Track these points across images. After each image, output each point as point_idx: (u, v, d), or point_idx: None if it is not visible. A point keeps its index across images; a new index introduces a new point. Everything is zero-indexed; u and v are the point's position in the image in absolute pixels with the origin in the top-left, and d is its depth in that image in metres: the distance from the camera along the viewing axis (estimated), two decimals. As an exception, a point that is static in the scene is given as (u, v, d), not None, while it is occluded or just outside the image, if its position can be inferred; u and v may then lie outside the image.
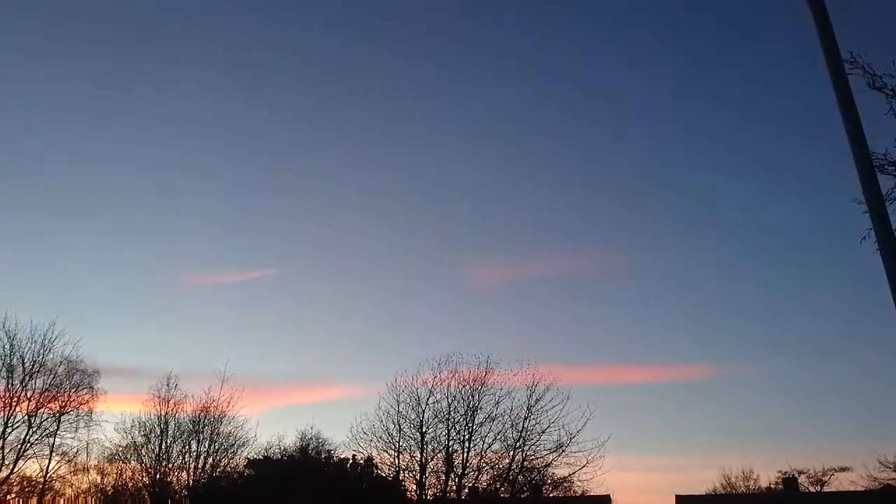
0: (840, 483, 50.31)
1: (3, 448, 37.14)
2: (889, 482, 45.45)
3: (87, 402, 40.08)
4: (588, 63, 78.19)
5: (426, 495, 35.68)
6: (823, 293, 73.41)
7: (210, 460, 40.44)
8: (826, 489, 50.17)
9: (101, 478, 42.45)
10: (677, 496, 43.29)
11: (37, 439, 38.22)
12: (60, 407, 39.15)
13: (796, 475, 49.13)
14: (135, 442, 40.29)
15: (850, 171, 6.71)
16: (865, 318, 70.55)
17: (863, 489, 46.05)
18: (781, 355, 71.07)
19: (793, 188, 76.72)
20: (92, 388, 40.25)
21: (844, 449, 75.69)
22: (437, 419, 35.61)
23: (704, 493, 51.02)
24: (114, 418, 41.10)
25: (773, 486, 52.16)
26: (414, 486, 36.28)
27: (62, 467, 39.99)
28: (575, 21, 75.05)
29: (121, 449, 40.55)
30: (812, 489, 50.25)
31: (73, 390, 39.68)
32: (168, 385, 40.97)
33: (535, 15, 74.69)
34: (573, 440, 33.74)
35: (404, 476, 36.60)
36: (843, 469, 50.64)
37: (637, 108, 79.70)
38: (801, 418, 68.94)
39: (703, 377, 69.47)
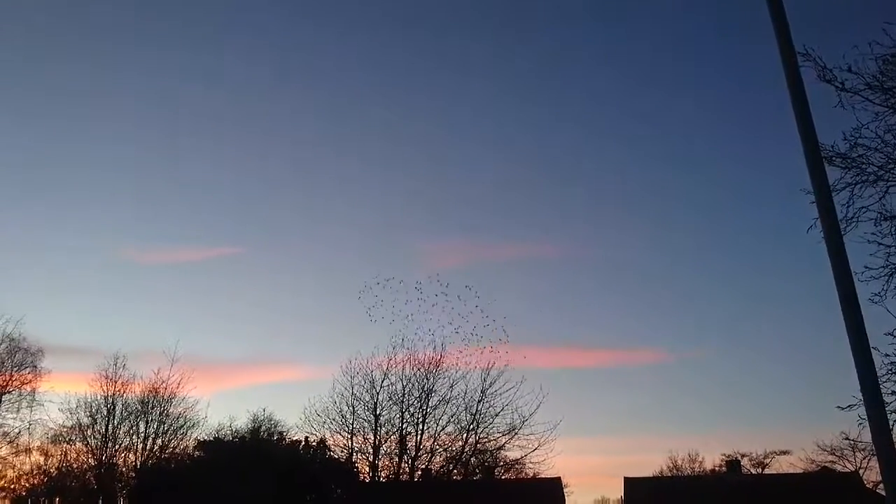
0: (780, 466, 52.28)
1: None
2: (826, 465, 47.32)
3: (30, 381, 39.08)
4: (553, 58, 78.71)
5: (379, 477, 35.73)
6: (770, 280, 75.86)
7: (159, 442, 39.79)
8: (767, 471, 52.01)
9: (45, 459, 41.35)
10: (625, 478, 44.19)
11: (-24, 420, 37.14)
12: (1, 386, 38.08)
13: (739, 458, 50.81)
14: (80, 423, 39.38)
15: (798, 161, 6.80)
16: (809, 306, 73.06)
17: (801, 471, 47.84)
18: (728, 342, 73.31)
19: (738, 177, 78.99)
20: (35, 367, 39.23)
21: (785, 433, 78.70)
22: (391, 401, 35.71)
23: (652, 476, 52.29)
24: (58, 398, 40.12)
25: (717, 469, 53.82)
26: (367, 468, 36.32)
27: (3, 448, 39.05)
28: (550, 23, 75.36)
29: (65, 430, 39.60)
30: (754, 471, 52.02)
31: (14, 369, 38.69)
32: (116, 365, 40.10)
33: (514, 14, 74.76)
34: (525, 423, 34.17)
35: (357, 458, 36.62)
36: (784, 452, 52.65)
37: (598, 101, 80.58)
38: (744, 403, 71.33)
39: (653, 362, 71.16)
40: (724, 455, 52.56)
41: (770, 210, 74.37)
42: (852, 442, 40.26)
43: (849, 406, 9.36)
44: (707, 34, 78.46)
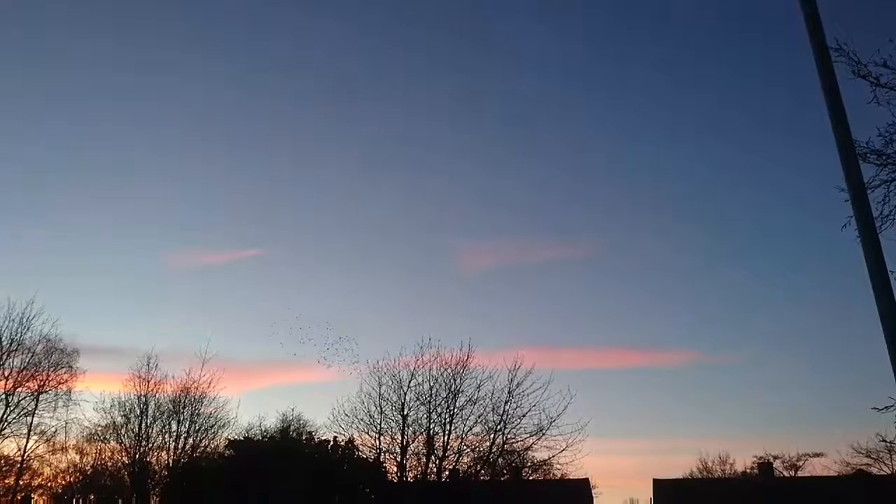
0: (814, 468, 51.24)
1: (-20, 427, 36.84)
2: (861, 467, 46.30)
3: (66, 381, 39.81)
4: (585, 57, 78.41)
5: (407, 477, 35.82)
6: (803, 281, 74.60)
7: (190, 441, 40.31)
8: (800, 474, 51.05)
9: (80, 457, 42.22)
10: (655, 480, 43.80)
11: (14, 418, 37.97)
12: (39, 386, 38.82)
13: (771, 460, 49.93)
14: (114, 422, 40.07)
15: (832, 158, 6.72)
16: (843, 306, 71.74)
17: (836, 474, 46.86)
18: (759, 343, 72.25)
19: (772, 176, 77.79)
20: (71, 367, 39.96)
21: (819, 435, 77.42)
22: (418, 402, 35.69)
23: (681, 477, 51.71)
24: (93, 398, 40.80)
25: (748, 471, 53.00)
26: (395, 468, 36.41)
27: (40, 447, 39.81)
28: (576, 16, 75.08)
29: (100, 429, 40.34)
30: (787, 474, 51.12)
31: (51, 369, 39.41)
32: (148, 365, 40.74)
33: (535, 8, 74.67)
34: (553, 424, 33.96)
35: (385, 458, 36.72)
36: (818, 455, 51.60)
37: (624, 101, 79.99)
38: (777, 404, 70.26)
39: (684, 363, 70.41)
40: (756, 457, 51.75)
41: (804, 210, 73.25)
42: (889, 444, 39.58)
43: (885, 407, 9.17)
44: (735, 32, 77.42)
